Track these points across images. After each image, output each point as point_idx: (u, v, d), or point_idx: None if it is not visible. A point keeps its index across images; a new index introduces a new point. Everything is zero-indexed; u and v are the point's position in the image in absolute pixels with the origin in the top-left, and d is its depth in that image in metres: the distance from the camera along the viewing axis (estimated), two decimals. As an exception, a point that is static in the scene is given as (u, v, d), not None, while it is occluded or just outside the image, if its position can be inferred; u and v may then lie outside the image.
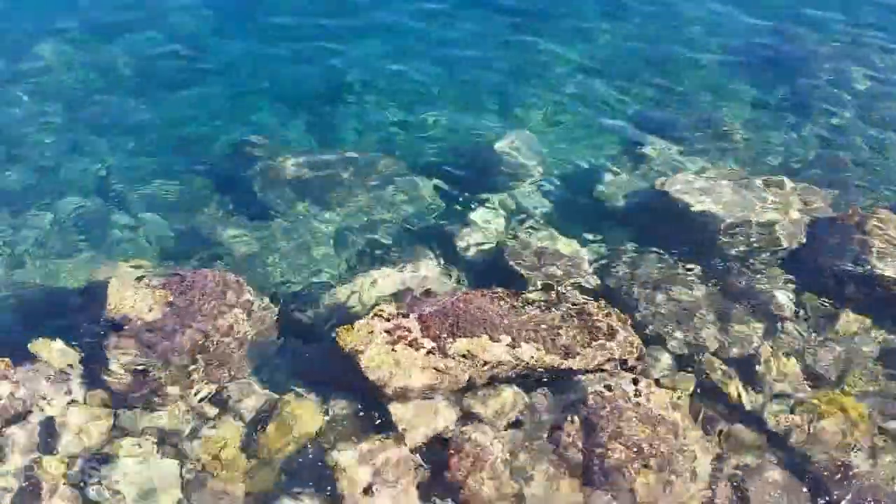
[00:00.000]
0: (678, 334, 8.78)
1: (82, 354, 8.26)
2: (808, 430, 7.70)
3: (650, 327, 8.86)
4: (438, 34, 14.87)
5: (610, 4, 16.04)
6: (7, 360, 7.94)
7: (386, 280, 9.30)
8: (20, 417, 7.65)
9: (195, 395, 7.98)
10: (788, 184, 10.52)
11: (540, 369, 7.86)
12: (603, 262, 9.94)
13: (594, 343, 8.06)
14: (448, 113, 12.84)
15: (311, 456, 7.43)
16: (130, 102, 12.75)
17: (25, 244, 10.16)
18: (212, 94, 13.10)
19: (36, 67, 13.50)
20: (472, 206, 10.88)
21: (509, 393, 7.80)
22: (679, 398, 7.87)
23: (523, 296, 8.56)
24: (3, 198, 10.81)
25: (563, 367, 7.89)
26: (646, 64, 14.28)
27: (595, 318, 8.34)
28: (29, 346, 8.16)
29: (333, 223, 10.66)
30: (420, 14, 15.40)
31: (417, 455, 7.29)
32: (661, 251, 9.91)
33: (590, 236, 10.40)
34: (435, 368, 7.59)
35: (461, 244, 10.12)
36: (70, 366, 8.15)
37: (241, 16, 15.16)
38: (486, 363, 7.71)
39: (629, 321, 8.57)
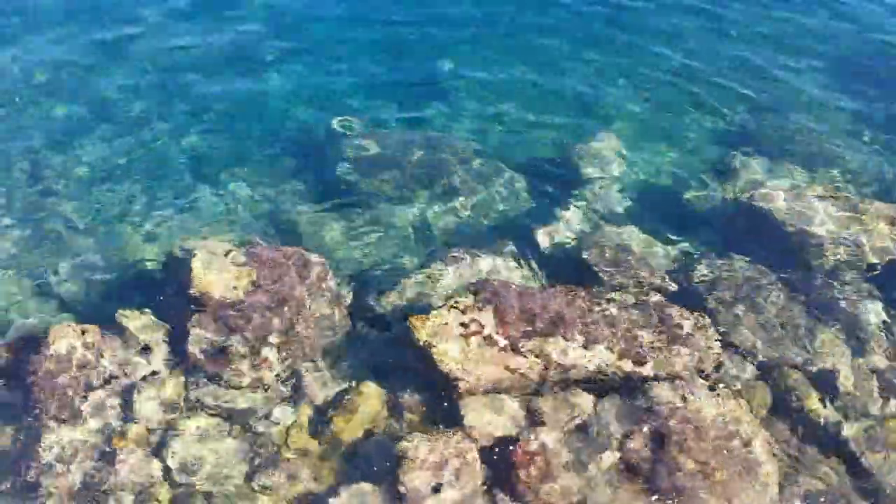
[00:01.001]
0: (758, 345, 8.59)
1: (165, 327, 8.49)
2: (888, 454, 7.45)
3: (730, 336, 8.69)
4: (532, 27, 14.75)
5: (706, 7, 15.64)
6: (96, 327, 8.19)
7: (463, 272, 9.35)
8: (103, 384, 7.90)
9: (270, 375, 8.11)
10: (879, 201, 10.21)
11: (613, 373, 7.78)
12: (685, 267, 9.82)
13: (671, 348, 7.95)
14: (537, 108, 12.83)
15: (378, 445, 7.52)
16: (224, 81, 13.02)
17: (116, 216, 10.51)
18: (305, 75, 13.33)
19: (133, 42, 13.89)
20: (555, 203, 10.88)
21: (580, 396, 7.73)
22: (755, 411, 7.68)
23: (601, 296, 8.46)
24: (96, 169, 11.17)
25: (636, 371, 7.80)
26: (741, 71, 14.00)
27: (674, 322, 8.22)
28: (116, 315, 8.42)
29: (415, 211, 10.77)
30: (515, 4, 15.29)
31: (483, 452, 7.27)
32: (746, 261, 9.74)
33: (673, 241, 10.31)
34: (507, 366, 7.59)
35: (541, 240, 10.11)
36: (153, 338, 8.36)
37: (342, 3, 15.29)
38: (559, 364, 7.67)
39: (709, 328, 8.38)
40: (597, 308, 8.23)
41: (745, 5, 15.97)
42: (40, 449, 7.35)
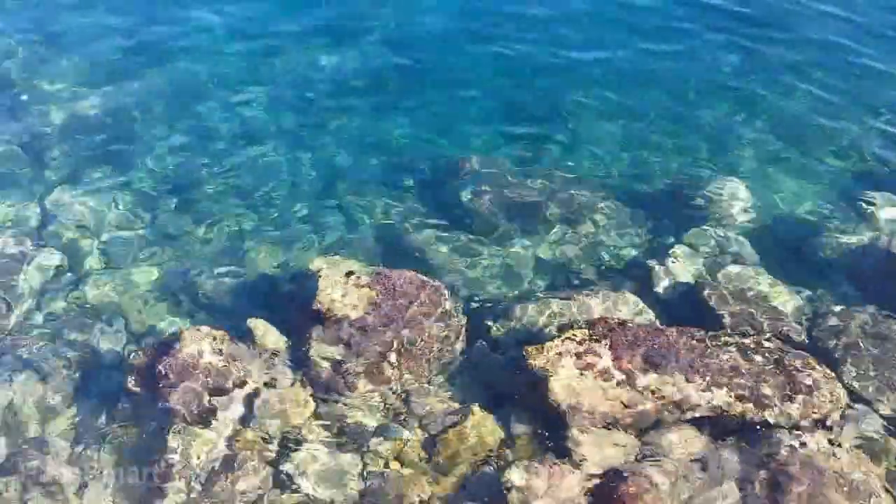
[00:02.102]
0: (888, 396, 8.24)
1: (289, 339, 8.87)
2: None
3: (856, 386, 8.38)
4: (659, 61, 14.71)
5: (842, 42, 15.20)
6: (225, 334, 8.68)
7: (580, 305, 9.39)
8: (229, 389, 8.31)
9: (385, 393, 8.35)
10: None
11: (730, 416, 7.64)
12: (811, 312, 9.57)
13: (792, 396, 7.77)
14: (661, 146, 12.77)
15: (487, 470, 7.65)
16: (354, 109, 13.45)
17: (252, 231, 11.06)
18: (429, 101, 13.62)
19: (269, 69, 14.50)
20: (677, 240, 10.76)
21: (693, 436, 7.64)
22: (879, 465, 7.40)
23: (720, 338, 8.35)
24: (230, 184, 11.78)
25: (755, 417, 7.64)
26: (878, 106, 13.46)
27: (796, 369, 8.03)
28: (245, 324, 8.90)
29: (535, 241, 10.87)
30: (642, 39, 15.28)
31: (591, 484, 7.26)
32: (878, 310, 9.36)
33: (798, 285, 10.04)
34: (621, 401, 7.58)
35: (660, 278, 10.05)
36: (277, 348, 8.75)
37: (468, 28, 15.56)
38: (674, 403, 7.62)
39: (833, 377, 8.12)
40: (717, 350, 8.12)
41: (880, 41, 15.36)
42: (166, 449, 7.78)
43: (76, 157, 12.18)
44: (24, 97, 13.48)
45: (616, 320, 8.47)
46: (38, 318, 9.71)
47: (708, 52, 15.15)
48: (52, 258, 10.42)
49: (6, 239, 10.52)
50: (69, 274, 10.29)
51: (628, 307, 9.44)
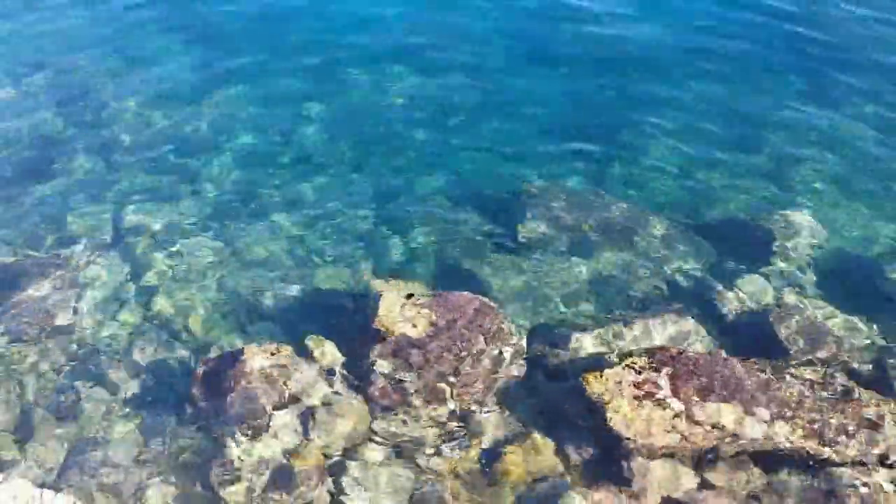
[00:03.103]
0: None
1: (348, 357, 9.06)
2: None
3: (926, 429, 8.19)
4: (725, 85, 14.64)
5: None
6: (287, 348, 8.92)
7: (640, 332, 9.38)
8: (288, 403, 8.52)
9: (442, 412, 8.45)
10: None
11: (792, 450, 7.56)
12: (881, 347, 9.35)
13: (856, 432, 7.63)
14: (727, 172, 12.68)
15: (541, 495, 7.67)
16: (418, 131, 13.65)
17: (314, 249, 11.27)
18: (496, 125, 13.72)
19: (335, 89, 14.81)
20: (743, 268, 10.71)
21: (752, 469, 7.59)
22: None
23: (785, 370, 8.27)
24: (299, 207, 12.00)
25: (818, 452, 7.55)
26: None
27: (863, 406, 7.89)
28: (306, 340, 9.12)
29: (596, 267, 10.87)
30: (706, 63, 15.23)
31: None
32: (953, 348, 9.16)
33: (867, 318, 9.85)
34: (679, 431, 7.56)
35: (723, 306, 9.99)
36: (337, 365, 8.94)
37: (533, 52, 15.71)
38: (734, 435, 7.56)
39: (902, 416, 8.00)
40: (781, 383, 8.04)
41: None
42: (225, 457, 8.03)
43: (149, 172, 12.64)
44: (101, 111, 14.01)
45: (676, 348, 8.45)
46: (107, 325, 10.06)
47: (775, 76, 15.07)
48: (123, 268, 10.82)
49: (79, 248, 10.96)
50: (139, 284, 10.64)
51: (690, 335, 9.39)
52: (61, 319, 10.03)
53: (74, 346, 9.75)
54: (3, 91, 14.62)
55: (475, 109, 14.12)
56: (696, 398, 7.79)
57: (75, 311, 10.15)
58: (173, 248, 11.15)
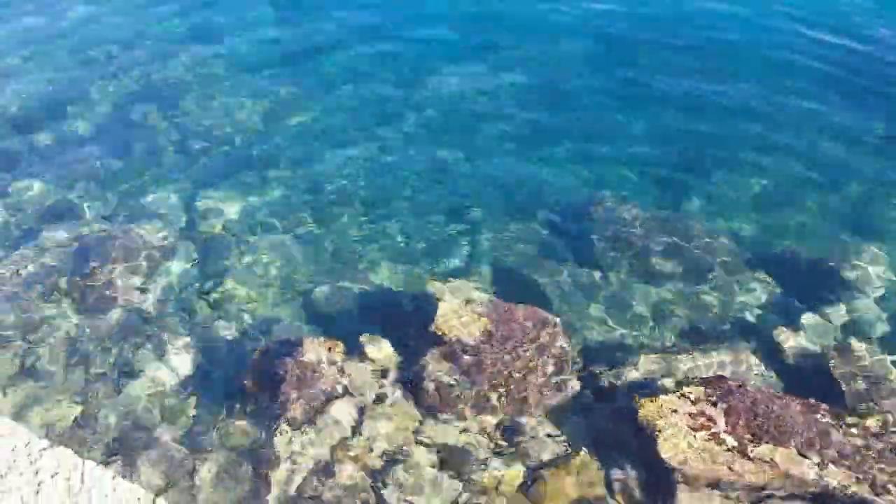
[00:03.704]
0: None
1: (402, 357, 9.14)
2: None
3: None
4: (813, 120, 14.41)
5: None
6: (342, 345, 9.01)
7: (699, 361, 9.32)
8: (339, 398, 8.63)
9: (491, 422, 8.48)
10: None
11: (845, 496, 7.42)
12: (943, 399, 9.11)
13: (913, 486, 7.46)
14: (803, 208, 12.47)
15: (585, 514, 7.64)
16: (496, 140, 13.76)
17: (380, 248, 11.47)
18: (574, 144, 13.70)
19: (418, 93, 15.01)
20: (807, 309, 10.52)
21: (803, 510, 7.47)
22: None
23: (843, 416, 8.11)
24: (368, 205, 12.22)
25: (869, 500, 7.37)
26: None
27: (919, 459, 7.70)
28: (362, 337, 9.22)
29: (660, 293, 10.82)
30: (797, 98, 15.03)
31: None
32: None
33: (932, 369, 9.57)
34: (730, 466, 7.47)
35: (784, 344, 9.84)
36: (390, 365, 9.02)
37: (621, 73, 15.70)
38: (787, 475, 7.45)
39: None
40: (839, 428, 7.89)
41: None
42: (274, 445, 8.17)
43: (225, 160, 13.03)
44: (188, 101, 14.42)
45: (734, 382, 8.35)
46: (172, 306, 10.36)
47: (862, 120, 14.67)
48: (192, 252, 11.15)
49: (153, 232, 11.30)
50: (206, 269, 10.94)
51: (749, 369, 9.30)
52: (128, 296, 10.36)
53: (139, 324, 10.07)
54: (88, 71, 15.03)
55: (556, 125, 14.16)
56: (749, 434, 7.69)
57: (142, 290, 10.47)
58: (242, 237, 11.46)
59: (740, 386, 8.24)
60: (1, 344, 9.67)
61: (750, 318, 10.48)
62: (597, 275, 10.96)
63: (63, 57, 15.75)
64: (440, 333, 8.96)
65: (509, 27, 17.18)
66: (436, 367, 8.77)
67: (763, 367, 9.40)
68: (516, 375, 8.65)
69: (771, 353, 9.75)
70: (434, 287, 9.87)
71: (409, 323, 9.73)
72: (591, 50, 16.49)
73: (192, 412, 8.97)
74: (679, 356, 9.40)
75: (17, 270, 10.57)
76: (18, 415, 8.76)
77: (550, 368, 8.90)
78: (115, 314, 10.12)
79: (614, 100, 14.94)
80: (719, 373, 8.97)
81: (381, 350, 9.18)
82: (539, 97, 14.90)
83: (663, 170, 13.15)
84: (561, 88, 15.16)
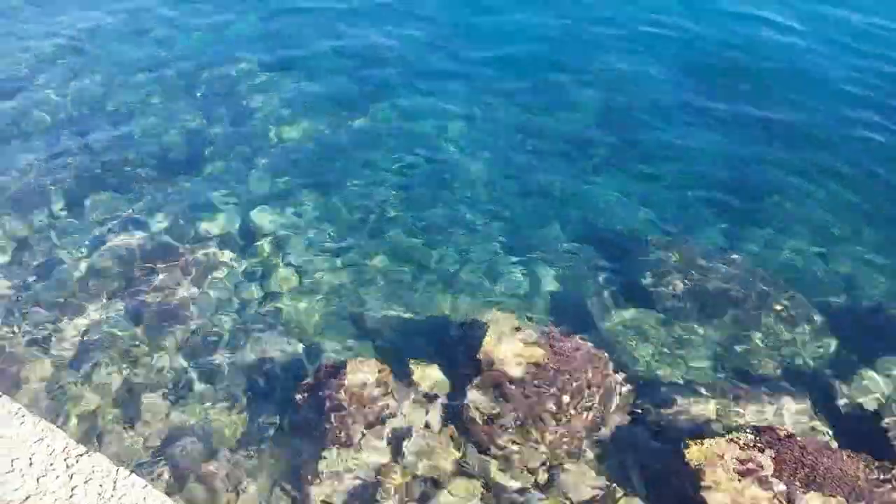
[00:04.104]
0: None
1: (449, 383, 9.19)
2: None
3: None
4: (883, 159, 14.15)
5: None
6: (388, 368, 9.11)
7: (750, 406, 9.22)
8: (384, 421, 8.69)
9: (535, 456, 8.44)
10: None
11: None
12: None
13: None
14: (872, 255, 12.10)
15: (624, 556, 7.56)
16: (557, 169, 13.65)
17: (432, 271, 11.52)
18: (636, 175, 13.57)
19: (480, 111, 15.08)
20: (865, 360, 10.25)
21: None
22: None
23: (893, 472, 7.93)
24: (424, 227, 12.28)
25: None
26: None
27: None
28: (410, 362, 9.33)
29: (713, 334, 10.67)
30: (881, 134, 14.79)
31: None
32: None
33: None
34: (777, 515, 7.34)
35: (839, 395, 9.65)
36: (436, 390, 9.06)
37: (686, 101, 15.61)
38: (834, 529, 7.30)
39: None
40: (888, 484, 7.71)
41: None
42: (318, 465, 8.25)
43: (284, 177, 13.20)
44: (252, 115, 14.73)
45: (785, 430, 8.23)
46: (225, 320, 10.54)
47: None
48: (246, 268, 11.37)
49: (209, 243, 11.55)
50: (259, 285, 11.13)
51: (800, 418, 9.13)
52: (183, 308, 10.57)
53: (191, 336, 10.26)
54: (160, 86, 15.45)
55: (616, 151, 14.13)
56: (798, 483, 7.56)
57: (196, 303, 10.66)
58: (296, 255, 11.60)
59: (790, 435, 8.12)
60: (55, 347, 9.94)
61: (804, 365, 10.28)
62: (649, 312, 10.86)
63: (132, 71, 16.15)
64: (488, 361, 8.97)
65: (567, 46, 17.18)
66: (481, 396, 8.78)
67: (815, 418, 9.21)
68: (563, 409, 8.62)
69: (824, 404, 9.55)
70: (484, 314, 9.90)
71: (457, 349, 9.75)
72: (651, 75, 16.41)
73: (238, 428, 9.10)
74: (729, 400, 9.29)
75: (76, 277, 10.86)
76: (63, 418, 9.02)
77: (598, 404, 8.85)
78: (167, 326, 10.33)
79: (678, 125, 14.85)
80: (769, 420, 8.85)
81: (429, 375, 9.22)
82: (601, 122, 14.88)
83: (725, 201, 12.98)
84: (624, 114, 15.10)
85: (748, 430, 8.19)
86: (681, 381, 9.95)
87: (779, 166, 13.85)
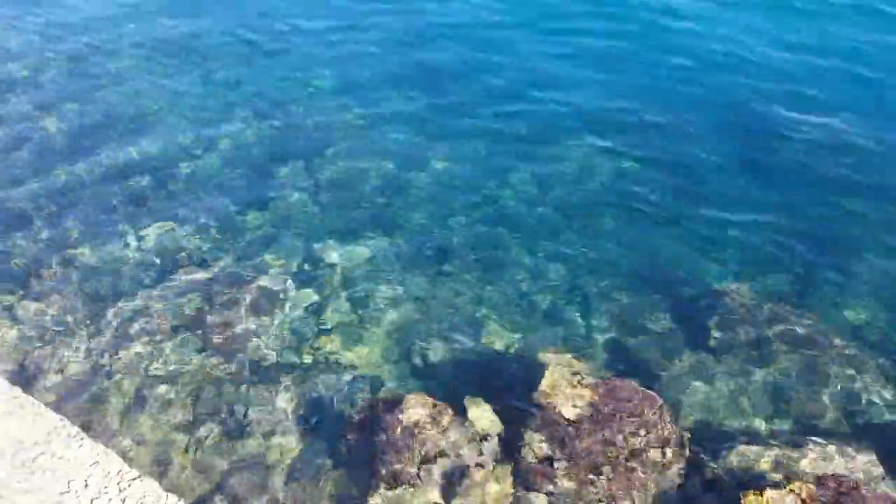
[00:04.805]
0: None
1: (504, 423, 9.17)
2: None
3: None
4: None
5: None
6: (445, 405, 9.18)
7: (812, 456, 8.99)
8: (437, 459, 8.71)
9: (589, 500, 8.36)
10: None
11: None
12: None
13: None
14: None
15: None
16: (619, 215, 13.63)
17: (492, 310, 11.55)
18: (700, 223, 13.40)
19: (545, 155, 15.09)
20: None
21: None
22: None
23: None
24: (485, 266, 12.34)
25: None
26: None
27: None
28: (465, 400, 9.33)
29: (775, 382, 10.47)
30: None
31: None
32: None
33: None
34: (839, 572, 7.12)
35: (905, 449, 9.34)
36: (490, 429, 9.05)
37: (747, 149, 15.42)
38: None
39: None
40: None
41: None
42: (370, 500, 8.30)
43: (349, 212, 13.43)
44: (319, 150, 15.02)
45: (848, 482, 7.98)
46: (285, 352, 10.74)
47: None
48: (309, 300, 11.56)
49: (273, 275, 11.80)
50: (320, 317, 11.30)
51: (865, 470, 8.86)
52: (244, 340, 10.81)
53: (251, 366, 10.48)
54: (233, 125, 15.84)
55: (678, 197, 14.03)
56: (862, 540, 7.34)
57: (257, 334, 10.88)
58: (358, 289, 11.79)
59: (855, 488, 7.88)
60: (125, 374, 10.23)
61: (870, 416, 10.02)
62: (710, 358, 10.73)
63: (205, 103, 16.63)
64: (544, 403, 8.96)
65: (635, 96, 17.15)
66: (536, 438, 8.76)
67: (881, 471, 8.94)
68: (618, 454, 8.54)
69: (891, 457, 9.27)
70: (543, 356, 9.91)
71: (513, 389, 9.78)
72: (716, 119, 16.27)
73: (294, 460, 9.23)
74: (790, 450, 9.08)
75: (145, 308, 11.20)
76: (121, 443, 9.25)
77: (654, 450, 8.74)
78: (230, 357, 10.56)
79: (743, 171, 14.67)
80: (832, 471, 8.60)
81: (484, 414, 9.23)
82: (663, 169, 14.78)
83: (792, 249, 12.75)
84: (686, 160, 14.99)
85: (810, 481, 7.98)
86: (740, 428, 9.78)
87: (849, 215, 13.56)
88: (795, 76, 17.81)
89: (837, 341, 10.94)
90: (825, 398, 10.23)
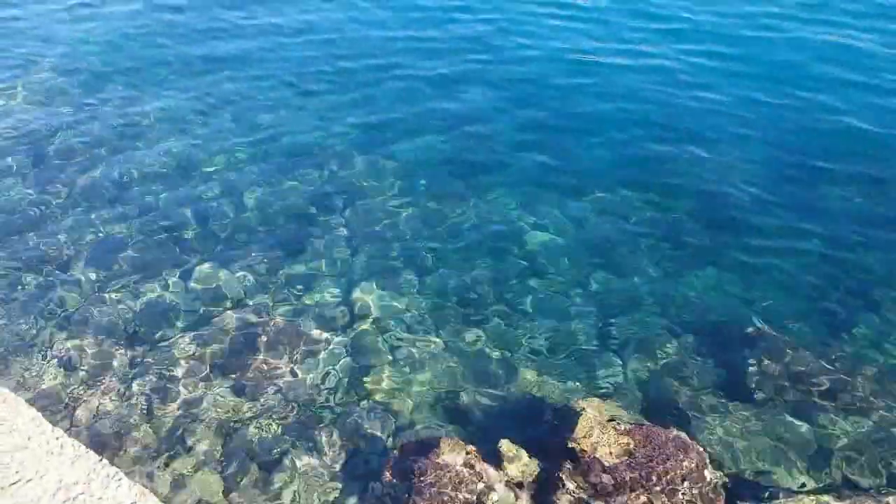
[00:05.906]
0: None
1: (538, 469, 9.12)
2: None
3: None
4: None
5: None
6: (474, 448, 9.18)
7: (854, 508, 8.77)
8: (470, 502, 8.65)
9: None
10: None
11: None
12: None
13: None
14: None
15: None
16: (654, 256, 13.56)
17: (527, 355, 11.56)
18: (735, 264, 13.30)
19: (573, 196, 15.13)
20: None
21: None
22: None
23: None
24: (519, 312, 12.36)
25: None
26: None
27: None
28: (500, 445, 9.30)
29: (819, 429, 10.33)
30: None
31: None
32: None
33: None
34: None
35: (955, 501, 9.09)
36: (524, 474, 9.04)
37: (780, 189, 15.29)
38: None
39: None
40: None
41: None
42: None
43: (385, 258, 13.55)
44: (349, 196, 15.20)
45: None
46: (322, 395, 10.88)
47: None
48: (345, 345, 11.69)
49: (309, 323, 11.96)
50: (357, 362, 11.42)
51: (910, 524, 8.68)
52: (283, 382, 10.96)
53: (288, 409, 10.59)
54: (263, 175, 16.00)
55: (713, 239, 13.92)
56: None
57: (295, 374, 11.01)
58: (394, 335, 11.89)
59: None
60: (163, 414, 10.38)
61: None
62: (748, 405, 10.60)
63: (244, 148, 16.87)
64: (579, 449, 8.91)
65: (661, 139, 17.12)
66: (571, 485, 8.71)
67: (927, 524, 8.75)
68: (655, 501, 8.44)
69: (938, 510, 9.07)
70: (577, 401, 9.87)
71: (548, 434, 9.74)
72: (752, 160, 16.17)
73: (333, 499, 9.31)
74: (832, 500, 8.89)
75: (182, 349, 11.37)
76: (159, 483, 9.43)
77: (691, 498, 8.63)
78: (265, 399, 10.70)
79: (779, 213, 14.54)
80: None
81: (518, 459, 9.20)
82: (695, 209, 14.71)
83: (829, 292, 12.63)
84: (720, 202, 14.92)
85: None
86: (780, 478, 9.63)
87: (891, 256, 13.39)
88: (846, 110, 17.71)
89: (881, 389, 10.77)
90: (868, 448, 10.03)
